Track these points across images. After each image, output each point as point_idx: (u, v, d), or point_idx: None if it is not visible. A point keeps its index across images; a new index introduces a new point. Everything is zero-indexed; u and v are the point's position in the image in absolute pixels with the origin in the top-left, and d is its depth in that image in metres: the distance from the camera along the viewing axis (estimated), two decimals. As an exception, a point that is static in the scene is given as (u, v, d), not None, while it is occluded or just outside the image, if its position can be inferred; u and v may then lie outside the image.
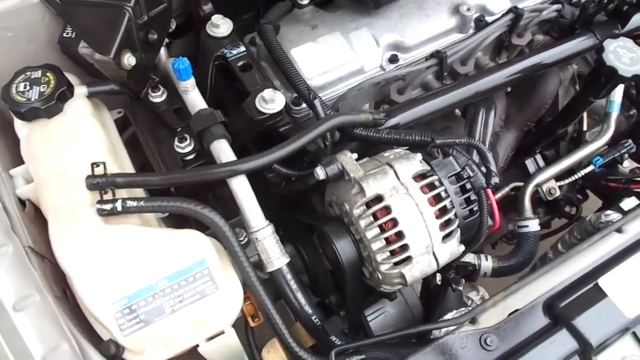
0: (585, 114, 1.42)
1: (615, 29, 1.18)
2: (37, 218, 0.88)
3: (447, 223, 0.88)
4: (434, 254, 0.87)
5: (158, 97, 1.00)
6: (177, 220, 0.98)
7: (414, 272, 0.86)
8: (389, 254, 0.86)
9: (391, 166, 0.88)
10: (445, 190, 0.89)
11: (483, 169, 0.95)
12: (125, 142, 1.07)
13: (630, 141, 1.37)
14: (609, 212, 1.20)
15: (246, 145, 1.05)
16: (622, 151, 1.35)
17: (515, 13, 1.12)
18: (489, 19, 1.15)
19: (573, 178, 1.35)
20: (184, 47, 1.23)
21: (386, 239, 0.85)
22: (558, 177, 1.36)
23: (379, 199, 0.86)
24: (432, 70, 1.09)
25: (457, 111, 1.16)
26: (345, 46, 1.07)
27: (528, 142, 1.38)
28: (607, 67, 1.03)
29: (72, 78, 0.97)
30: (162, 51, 1.11)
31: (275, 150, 0.87)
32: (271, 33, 1.03)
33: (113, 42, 0.90)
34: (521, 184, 1.31)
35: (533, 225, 1.24)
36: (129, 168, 0.98)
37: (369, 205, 0.86)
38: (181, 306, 0.78)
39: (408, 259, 0.86)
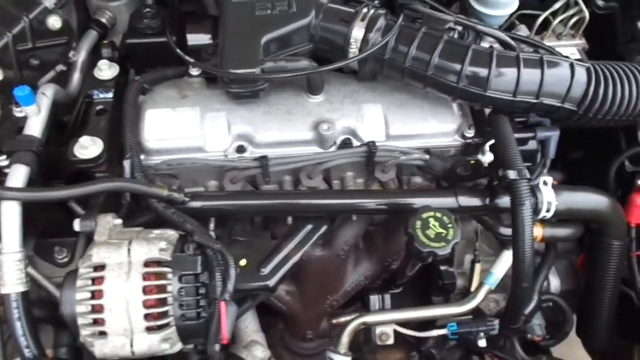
0: (478, 271, 1.32)
1: (484, 201, 1.11)
2: None
3: (159, 316, 0.89)
4: (132, 339, 0.89)
5: (18, 112, 1.13)
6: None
7: (105, 349, 0.89)
8: (91, 321, 0.89)
9: (130, 243, 0.92)
10: (173, 286, 0.90)
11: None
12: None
13: (496, 322, 1.24)
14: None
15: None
16: (481, 329, 1.23)
17: (369, 148, 1.10)
18: (356, 144, 1.14)
19: (422, 334, 1.26)
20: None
21: (92, 306, 0.89)
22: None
23: (101, 267, 0.90)
24: (256, 172, 1.10)
25: (290, 219, 1.14)
26: (196, 123, 1.12)
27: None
28: (407, 231, 0.97)
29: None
30: (76, 76, 1.26)
31: (48, 191, 0.96)
32: (132, 90, 1.12)
33: (-21, 56, 1.06)
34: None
35: (339, 362, 1.18)
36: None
37: (96, 269, 0.90)
38: None
39: (103, 333, 0.88)
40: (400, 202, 1.09)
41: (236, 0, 1.13)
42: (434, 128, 1.16)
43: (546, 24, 1.39)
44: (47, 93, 1.13)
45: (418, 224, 0.97)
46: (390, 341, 1.23)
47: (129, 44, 1.25)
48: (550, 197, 1.10)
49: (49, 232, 1.19)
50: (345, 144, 1.14)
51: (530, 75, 1.05)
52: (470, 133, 1.16)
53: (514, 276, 1.09)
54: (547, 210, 1.10)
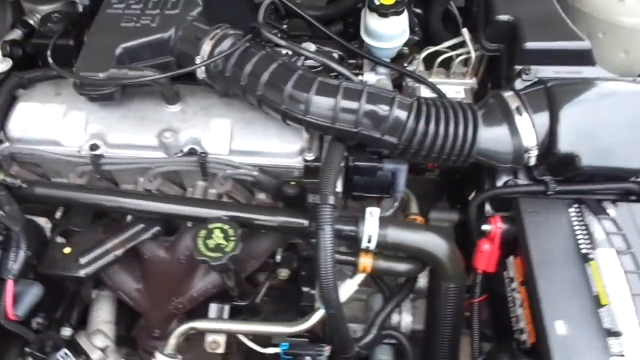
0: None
1: (303, 222, 1.12)
2: None
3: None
4: None
5: None
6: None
7: None
8: None
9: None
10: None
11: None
12: None
13: (326, 349, 1.23)
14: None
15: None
16: (309, 352, 1.23)
17: (199, 158, 1.14)
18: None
19: (259, 349, 1.27)
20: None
21: None
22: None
23: None
24: (88, 169, 1.18)
25: (129, 217, 1.21)
26: (57, 118, 1.22)
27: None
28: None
29: None
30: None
31: None
32: (8, 83, 1.24)
33: None
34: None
35: (160, 361, 1.21)
36: None
37: None
38: None
39: None
40: (217, 213, 1.12)
41: (109, 12, 1.24)
42: (275, 147, 1.19)
43: (450, 62, 1.39)
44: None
45: (202, 232, 1.01)
46: (221, 350, 1.25)
47: (34, 44, 1.38)
48: (373, 228, 1.09)
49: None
50: (191, 153, 1.20)
51: (348, 105, 1.06)
52: (309, 156, 1.18)
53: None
54: (369, 241, 1.10)
